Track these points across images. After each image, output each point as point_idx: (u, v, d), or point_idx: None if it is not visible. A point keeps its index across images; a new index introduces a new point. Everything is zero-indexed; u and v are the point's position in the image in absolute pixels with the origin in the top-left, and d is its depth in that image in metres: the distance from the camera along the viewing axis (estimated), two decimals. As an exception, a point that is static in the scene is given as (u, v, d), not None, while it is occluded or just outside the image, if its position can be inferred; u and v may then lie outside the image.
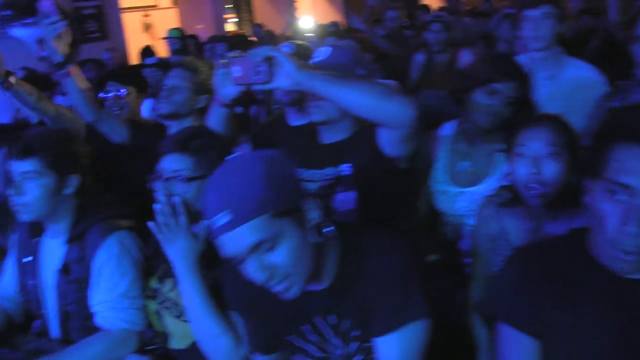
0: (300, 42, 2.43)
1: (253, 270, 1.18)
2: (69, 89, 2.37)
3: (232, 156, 1.25)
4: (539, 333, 1.20)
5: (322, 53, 1.88)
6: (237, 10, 12.44)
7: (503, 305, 1.26)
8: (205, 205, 1.21)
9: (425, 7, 7.86)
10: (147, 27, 10.83)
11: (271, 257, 1.18)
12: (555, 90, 2.53)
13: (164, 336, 1.81)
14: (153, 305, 1.81)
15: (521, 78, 1.98)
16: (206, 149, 1.67)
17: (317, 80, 1.51)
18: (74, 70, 2.35)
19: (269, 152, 1.27)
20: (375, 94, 1.54)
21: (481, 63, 2.15)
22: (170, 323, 1.77)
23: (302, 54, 2.17)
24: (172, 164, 1.65)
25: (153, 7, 11.11)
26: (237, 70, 1.57)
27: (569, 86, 2.53)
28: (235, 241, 1.16)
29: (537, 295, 1.20)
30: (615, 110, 1.97)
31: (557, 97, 2.47)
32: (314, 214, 1.24)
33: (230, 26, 11.89)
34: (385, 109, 1.54)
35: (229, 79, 1.66)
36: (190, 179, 1.64)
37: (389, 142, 1.71)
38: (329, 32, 5.92)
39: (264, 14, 11.57)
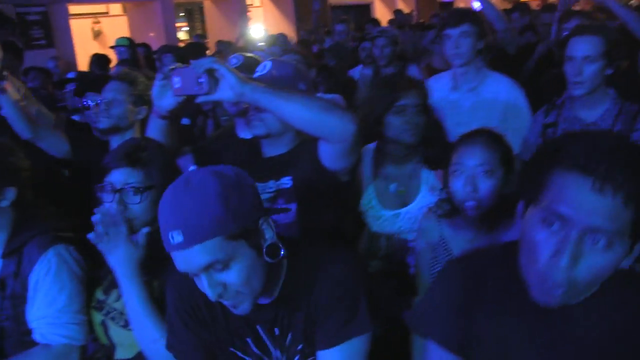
0: (249, 54, 2.44)
1: (205, 286, 1.19)
2: (4, 105, 2.31)
3: (190, 170, 1.25)
4: (465, 351, 1.16)
5: (262, 67, 1.91)
6: (189, 19, 12.37)
7: (429, 322, 1.23)
8: (160, 219, 1.21)
9: (375, 21, 8.00)
10: (97, 35, 10.63)
11: (223, 276, 1.19)
12: (477, 102, 2.70)
13: (108, 348, 1.78)
14: (98, 317, 1.79)
15: (418, 84, 2.14)
16: (154, 160, 1.67)
17: (259, 93, 1.54)
18: (7, 86, 2.29)
19: (228, 168, 1.27)
20: (315, 108, 1.57)
21: (378, 89, 2.25)
22: (116, 334, 1.75)
23: (250, 66, 2.19)
24: (122, 177, 1.64)
25: (103, 14, 10.93)
26: (177, 81, 1.58)
27: (489, 97, 2.69)
28: (188, 260, 1.17)
29: (464, 314, 1.16)
30: (559, 135, 2.08)
31: (479, 108, 2.67)
32: (268, 234, 1.25)
33: (182, 35, 11.82)
34: (325, 123, 1.57)
35: (167, 90, 1.67)
36: (141, 191, 1.64)
37: (329, 156, 1.74)
38: (277, 43, 5.95)
39: (216, 24, 11.52)
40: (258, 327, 1.37)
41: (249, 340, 1.38)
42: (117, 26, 10.38)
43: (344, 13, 13.13)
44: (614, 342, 1.05)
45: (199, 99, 1.61)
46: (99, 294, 1.81)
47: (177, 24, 12.33)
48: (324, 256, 1.35)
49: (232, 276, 1.19)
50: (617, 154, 0.92)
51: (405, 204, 2.09)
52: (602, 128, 2.28)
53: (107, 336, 1.78)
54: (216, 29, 11.06)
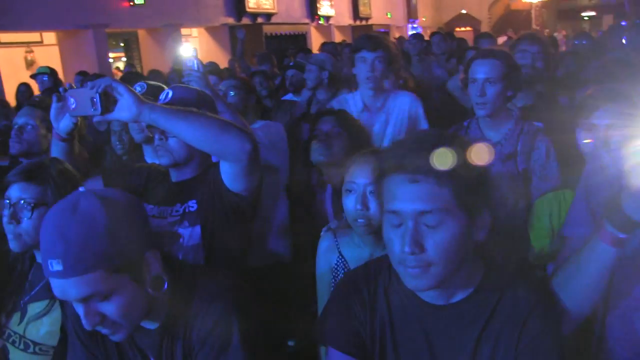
0: (153, 82, 2.43)
1: (82, 315, 1.17)
2: None
3: (77, 194, 1.20)
4: (363, 355, 1.24)
5: (165, 95, 1.92)
6: (127, 49, 12.25)
7: (328, 330, 1.30)
8: (41, 241, 1.16)
9: (307, 50, 8.12)
10: (30, 64, 10.36)
11: (102, 306, 1.17)
12: (384, 118, 2.89)
13: None
14: None
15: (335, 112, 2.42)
16: (51, 178, 1.67)
17: (156, 113, 1.56)
18: None
19: (122, 195, 1.24)
20: (212, 127, 1.60)
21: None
22: (18, 357, 1.73)
23: (154, 93, 2.18)
24: (17, 191, 1.65)
25: (37, 43, 10.66)
26: (72, 102, 1.59)
27: (395, 112, 2.90)
28: (65, 290, 1.14)
29: (357, 318, 1.25)
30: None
31: (388, 123, 2.88)
32: (153, 267, 1.24)
33: (121, 65, 11.68)
34: (221, 141, 1.59)
35: (64, 112, 1.71)
36: (32, 206, 1.64)
37: (230, 176, 1.75)
38: (209, 71, 5.93)
39: (151, 54, 11.42)
40: (149, 353, 1.35)
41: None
42: (50, 55, 10.12)
43: (278, 43, 13.32)
44: (486, 342, 1.16)
45: (95, 119, 1.61)
46: (1, 318, 1.76)
47: (115, 54, 12.25)
48: (207, 287, 1.33)
49: (111, 308, 1.17)
50: (418, 148, 1.08)
51: None
52: (506, 147, 2.37)
53: None
54: (151, 59, 10.95)
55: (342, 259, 1.86)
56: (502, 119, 2.41)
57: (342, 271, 1.83)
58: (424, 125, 2.89)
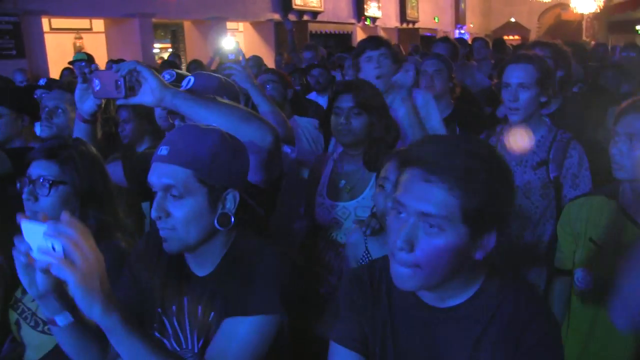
0: (182, 71, 2.45)
1: (155, 204, 1.30)
2: None
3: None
4: (365, 351, 1.23)
5: (187, 82, 1.92)
6: (173, 40, 12.46)
7: (333, 324, 1.29)
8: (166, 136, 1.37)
9: (351, 49, 8.09)
10: (78, 50, 10.61)
11: (173, 204, 1.30)
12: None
13: (22, 348, 1.76)
14: (14, 316, 1.78)
15: (356, 87, 2.27)
16: (73, 158, 1.69)
17: (179, 99, 1.57)
18: None
19: (238, 140, 1.41)
20: (234, 116, 1.59)
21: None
22: (26, 334, 1.75)
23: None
24: (38, 169, 1.67)
25: (86, 30, 10.94)
26: (97, 84, 1.59)
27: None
28: (159, 173, 1.31)
29: (361, 313, 1.24)
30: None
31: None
32: (229, 204, 1.35)
33: (166, 56, 11.88)
34: (243, 132, 1.57)
35: (88, 94, 1.70)
36: (51, 184, 1.65)
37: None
38: (250, 66, 5.98)
39: (196, 45, 11.58)
40: (185, 299, 1.41)
41: (174, 307, 1.43)
42: (98, 43, 10.38)
43: (323, 41, 13.34)
44: (484, 348, 1.13)
45: (119, 102, 1.62)
46: (18, 292, 1.80)
47: (161, 45, 12.48)
48: (259, 249, 1.40)
49: (178, 209, 1.30)
50: (447, 150, 1.06)
51: (347, 200, 2.23)
52: (538, 154, 2.31)
53: (19, 336, 1.76)
54: (196, 51, 11.11)
55: (368, 254, 1.88)
56: (535, 126, 2.34)
57: None
58: (434, 123, 2.85)
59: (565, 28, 20.03)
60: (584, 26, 19.40)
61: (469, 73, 5.56)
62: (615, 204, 1.82)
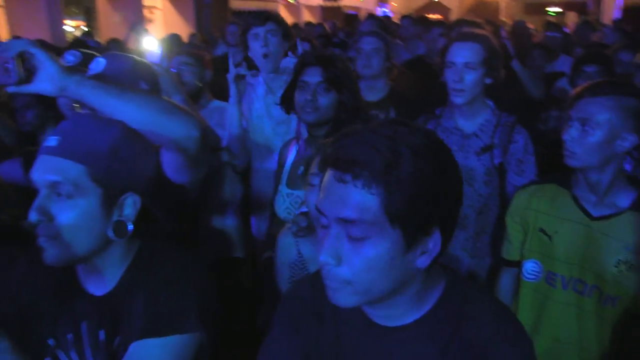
0: (88, 51, 2.13)
1: (35, 205, 1.10)
2: None
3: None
4: None
5: (96, 64, 1.64)
6: (88, 18, 11.67)
7: (274, 352, 1.12)
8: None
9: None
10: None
11: (56, 207, 1.10)
12: None
13: None
14: None
15: (328, 60, 2.07)
16: None
17: (85, 87, 1.29)
18: None
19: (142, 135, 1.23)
20: (154, 109, 1.33)
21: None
22: None
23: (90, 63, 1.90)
24: None
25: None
26: None
27: None
28: (44, 167, 1.12)
29: (302, 338, 1.09)
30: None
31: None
32: (128, 210, 1.17)
33: (78, 34, 11.09)
34: (164, 127, 1.33)
35: None
36: None
37: (173, 167, 1.48)
38: (170, 44, 5.60)
39: (110, 23, 10.89)
40: (83, 324, 1.20)
41: (69, 336, 1.21)
42: (-1, 18, 9.51)
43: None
44: None
45: (10, 89, 1.32)
46: None
47: (74, 22, 11.64)
48: (171, 258, 1.24)
49: (65, 212, 1.11)
50: (364, 142, 0.88)
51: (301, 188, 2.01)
52: (482, 139, 2.19)
53: None
54: (111, 30, 10.42)
55: (301, 257, 1.69)
56: (478, 109, 2.23)
57: (300, 272, 1.66)
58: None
59: (484, 8, 20.54)
60: (501, 7, 19.95)
61: (395, 52, 5.46)
62: (567, 194, 1.73)
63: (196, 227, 1.75)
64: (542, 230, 1.78)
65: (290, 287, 1.26)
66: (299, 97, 2.06)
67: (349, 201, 0.87)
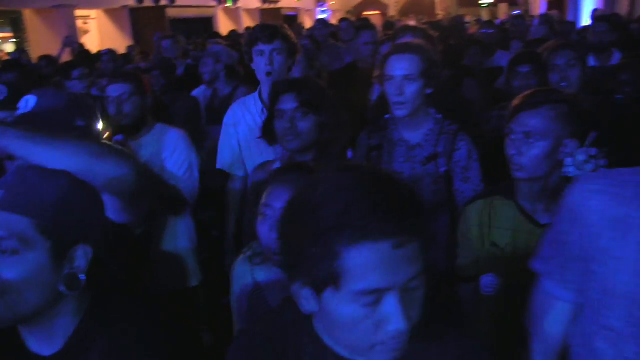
0: (18, 83, 2.02)
1: None
2: None
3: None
4: None
5: (24, 103, 1.55)
6: (15, 29, 11.19)
7: None
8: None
9: (217, 35, 7.72)
10: None
11: (2, 263, 1.02)
12: None
13: None
14: None
15: (301, 84, 2.07)
16: None
17: (8, 138, 1.20)
18: None
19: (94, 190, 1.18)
20: (84, 154, 1.25)
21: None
22: None
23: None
24: None
25: None
26: None
27: None
28: None
29: None
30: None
31: None
32: (79, 262, 1.09)
33: (9, 47, 10.63)
34: (98, 172, 1.25)
35: None
36: None
37: (112, 209, 1.41)
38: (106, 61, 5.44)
39: (41, 38, 10.48)
40: None
41: None
42: None
43: (185, 27, 12.69)
44: None
45: None
46: None
47: (2, 34, 11.16)
48: (129, 312, 1.16)
49: (11, 268, 1.02)
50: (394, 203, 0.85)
51: None
52: (426, 149, 2.22)
53: None
54: (42, 43, 10.03)
55: (257, 285, 1.64)
56: (422, 119, 2.25)
57: (258, 301, 1.61)
58: None
59: (420, 2, 20.90)
60: (436, 1, 20.36)
61: (337, 55, 5.45)
62: (513, 204, 1.77)
63: (145, 263, 1.69)
64: (493, 244, 1.80)
65: (248, 325, 1.22)
66: (278, 126, 2.04)
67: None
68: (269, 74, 2.52)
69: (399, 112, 2.18)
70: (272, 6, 17.63)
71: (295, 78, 2.43)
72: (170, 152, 2.52)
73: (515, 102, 1.69)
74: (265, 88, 2.60)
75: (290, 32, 2.64)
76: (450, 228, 2.18)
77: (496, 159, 1.87)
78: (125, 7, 11.91)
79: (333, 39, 6.16)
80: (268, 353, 1.04)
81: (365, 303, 0.86)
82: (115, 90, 2.52)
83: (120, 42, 9.77)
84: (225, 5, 15.32)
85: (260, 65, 2.55)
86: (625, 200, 1.07)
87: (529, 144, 1.63)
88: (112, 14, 12.06)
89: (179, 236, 2.61)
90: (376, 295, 0.86)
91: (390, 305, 0.86)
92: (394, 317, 0.86)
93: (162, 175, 2.48)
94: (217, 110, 3.85)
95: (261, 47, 2.53)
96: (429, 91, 2.19)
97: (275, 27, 2.60)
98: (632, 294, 1.04)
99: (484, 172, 2.23)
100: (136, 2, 11.98)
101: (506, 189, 1.79)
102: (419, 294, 0.89)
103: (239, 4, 16.01)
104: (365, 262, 0.84)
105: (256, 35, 2.56)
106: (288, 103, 2.01)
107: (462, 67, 4.00)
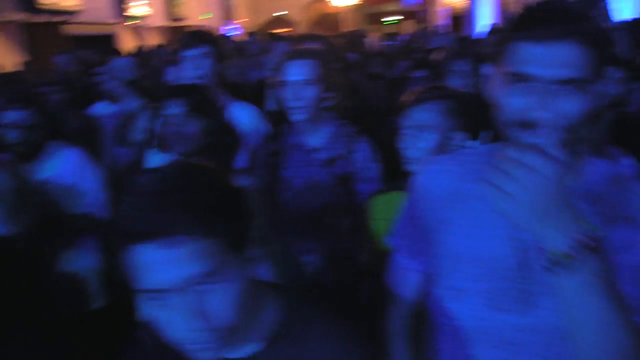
0: None
1: None
2: None
3: None
4: None
5: None
6: None
7: None
8: None
9: (117, 52, 7.45)
10: None
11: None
12: None
13: None
14: None
15: (186, 90, 2.05)
16: None
17: None
18: None
19: None
20: None
21: None
22: None
23: None
24: None
25: None
26: None
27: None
28: None
29: None
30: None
31: None
32: None
33: None
34: None
35: None
36: None
37: None
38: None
39: None
40: None
41: None
42: None
43: (85, 45, 12.19)
44: None
45: None
46: None
47: None
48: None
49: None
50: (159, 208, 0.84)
51: None
52: (326, 152, 2.22)
53: None
54: None
55: None
56: (320, 123, 2.26)
57: None
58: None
59: (328, 20, 21.37)
60: (344, 18, 20.90)
61: (243, 69, 5.44)
62: None
63: (36, 281, 1.57)
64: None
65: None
66: (165, 131, 2.00)
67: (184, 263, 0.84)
68: (199, 78, 2.53)
69: (297, 117, 2.19)
70: (178, 24, 17.37)
71: (179, 84, 2.41)
72: (70, 171, 2.42)
73: (405, 98, 1.73)
74: None
75: (220, 38, 2.69)
76: (352, 228, 2.19)
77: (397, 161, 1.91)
78: (12, 22, 11.20)
79: (239, 55, 6.14)
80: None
81: (155, 303, 0.87)
82: (11, 116, 2.38)
83: (10, 60, 9.21)
84: (128, 23, 14.90)
85: (188, 71, 2.57)
86: (461, 176, 1.20)
87: (418, 138, 1.67)
88: (1, 28, 11.34)
89: (82, 256, 2.46)
90: (158, 295, 0.86)
91: (175, 305, 0.85)
92: (179, 316, 0.86)
93: (64, 194, 2.35)
94: (120, 127, 3.72)
95: (188, 52, 2.56)
96: (326, 95, 2.21)
97: (205, 32, 2.67)
98: (468, 255, 1.15)
99: (384, 174, 2.27)
100: (27, 15, 11.31)
101: (403, 184, 1.82)
102: (220, 293, 0.87)
103: (144, 22, 15.63)
104: (137, 264, 0.85)
105: (183, 40, 2.63)
106: (174, 108, 1.99)
107: (366, 75, 4.11)
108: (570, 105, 0.94)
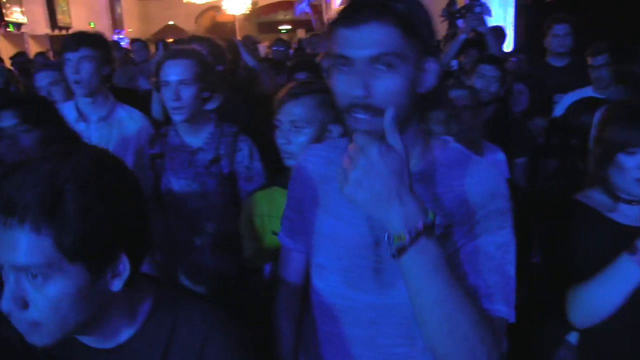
0: None
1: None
2: None
3: None
4: None
5: None
6: None
7: None
8: None
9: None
10: None
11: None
12: (107, 132, 2.61)
13: None
14: None
15: (20, 101, 1.94)
16: None
17: None
18: None
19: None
20: None
21: None
22: None
23: None
24: None
25: None
26: None
27: (118, 126, 2.64)
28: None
29: None
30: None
31: (111, 140, 2.59)
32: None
33: None
34: None
35: None
36: None
37: None
38: None
39: None
40: None
41: None
42: None
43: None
44: None
45: None
46: None
47: None
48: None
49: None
50: (21, 185, 0.85)
51: None
52: (208, 152, 2.25)
53: None
54: None
55: None
56: (201, 123, 2.28)
57: None
58: None
59: (221, 29, 21.19)
60: (237, 27, 20.83)
61: (130, 76, 5.33)
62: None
63: None
64: (274, 233, 1.87)
65: None
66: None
67: (18, 246, 0.85)
68: (76, 82, 2.50)
69: (177, 117, 2.19)
70: (62, 32, 16.52)
71: (12, 93, 2.39)
72: None
73: (279, 94, 1.80)
74: (78, 98, 2.60)
75: (102, 40, 2.64)
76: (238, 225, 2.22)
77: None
78: None
79: (127, 62, 5.99)
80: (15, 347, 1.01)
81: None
82: None
83: None
84: (7, 30, 13.97)
85: (68, 74, 2.52)
86: (330, 160, 1.28)
87: (295, 131, 1.74)
88: None
89: None
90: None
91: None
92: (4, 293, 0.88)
93: None
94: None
95: (67, 55, 2.50)
96: (205, 94, 2.23)
97: (84, 34, 2.59)
98: (331, 233, 1.22)
99: (269, 172, 2.32)
100: None
101: (283, 179, 1.88)
102: (49, 291, 0.88)
103: (24, 29, 14.72)
104: None
105: (64, 44, 2.57)
106: (6, 120, 1.88)
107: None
108: (383, 83, 1.01)
